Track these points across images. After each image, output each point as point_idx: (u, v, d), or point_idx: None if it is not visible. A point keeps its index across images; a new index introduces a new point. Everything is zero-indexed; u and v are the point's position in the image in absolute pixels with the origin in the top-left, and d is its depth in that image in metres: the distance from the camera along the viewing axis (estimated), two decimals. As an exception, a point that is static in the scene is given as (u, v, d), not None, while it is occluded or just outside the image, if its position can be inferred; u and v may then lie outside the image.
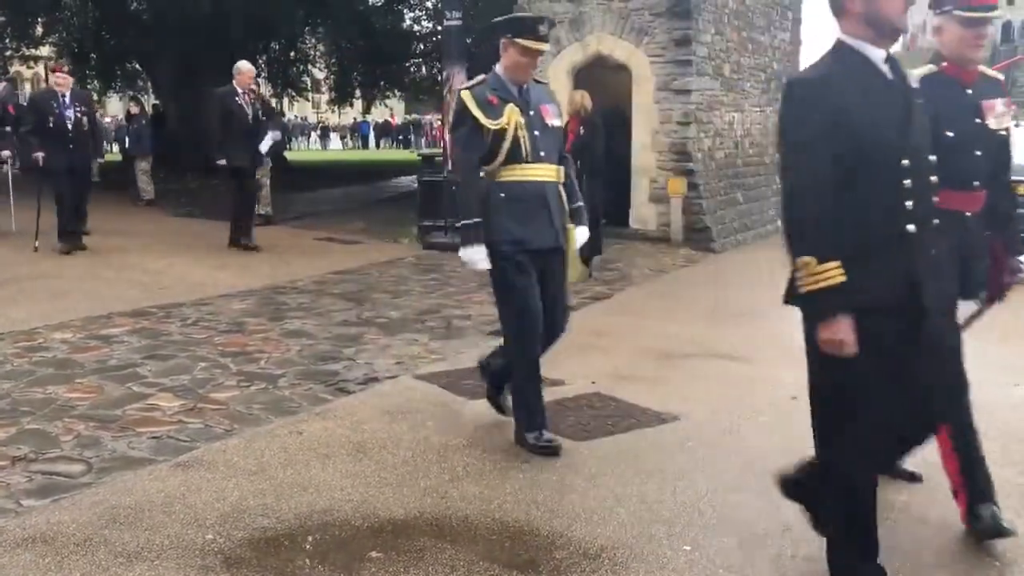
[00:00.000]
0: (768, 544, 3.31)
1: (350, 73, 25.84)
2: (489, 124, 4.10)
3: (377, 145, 46.76)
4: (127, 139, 18.35)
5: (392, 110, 45.01)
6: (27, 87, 41.28)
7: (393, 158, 32.09)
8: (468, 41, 13.40)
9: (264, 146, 10.22)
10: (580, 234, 4.44)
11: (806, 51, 16.44)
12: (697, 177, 11.77)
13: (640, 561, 3.17)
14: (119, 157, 24.22)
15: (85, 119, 9.54)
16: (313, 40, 25.37)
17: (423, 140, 43.86)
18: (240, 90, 10.14)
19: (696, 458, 4.17)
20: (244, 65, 10.42)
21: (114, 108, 42.70)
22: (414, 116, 47.95)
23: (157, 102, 23.23)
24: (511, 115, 4.12)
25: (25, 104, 11.53)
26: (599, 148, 8.86)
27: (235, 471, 3.90)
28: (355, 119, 45.68)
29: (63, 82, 9.56)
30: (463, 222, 4.17)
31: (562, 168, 4.33)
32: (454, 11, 11.37)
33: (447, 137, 11.94)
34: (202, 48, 18.29)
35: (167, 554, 3.14)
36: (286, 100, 31.54)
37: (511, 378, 4.35)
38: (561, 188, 4.31)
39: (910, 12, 2.84)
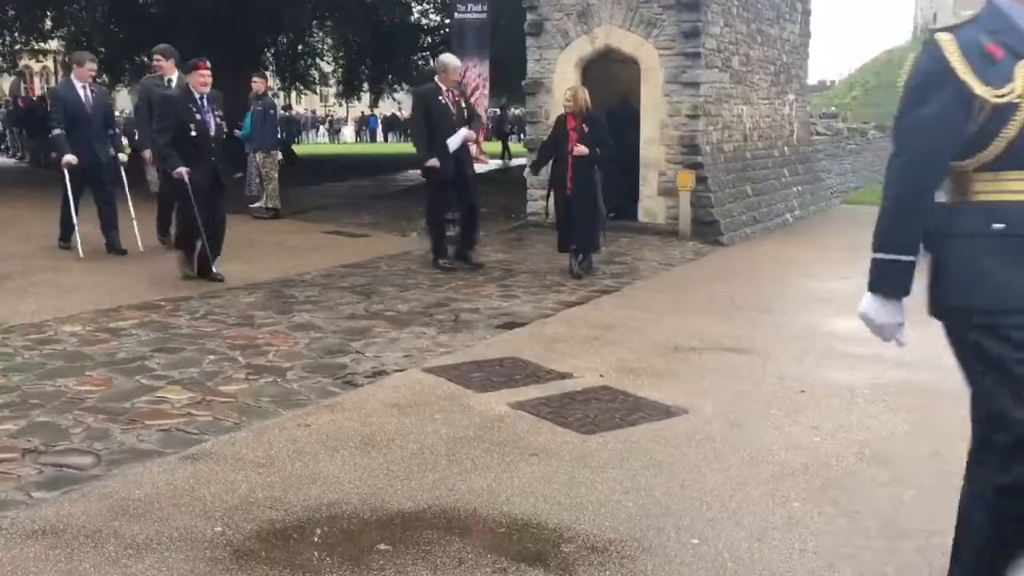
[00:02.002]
0: (776, 538, 3.30)
1: (358, 67, 25.87)
2: (988, 95, 2.33)
3: (385, 138, 46.80)
4: (136, 132, 18.31)
5: (400, 104, 45.02)
6: (36, 81, 41.44)
7: (401, 151, 32.09)
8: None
9: (454, 142, 8.62)
10: None
11: (815, 43, 16.35)
12: (706, 170, 11.73)
13: (648, 554, 3.17)
14: (129, 150, 24.24)
15: (224, 124, 7.99)
16: (321, 34, 25.39)
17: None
18: (444, 88, 8.82)
19: (704, 452, 4.16)
20: (450, 60, 9.03)
21: (123, 102, 42.82)
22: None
23: (166, 96, 23.25)
24: None
25: (150, 100, 9.14)
26: (608, 143, 8.71)
27: (244, 464, 3.91)
28: (363, 112, 45.71)
29: (207, 80, 7.75)
30: (883, 256, 2.47)
31: None
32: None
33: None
34: (211, 42, 18.30)
35: (176, 546, 3.16)
36: (294, 94, 31.59)
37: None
38: None
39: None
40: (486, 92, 12.12)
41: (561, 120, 8.83)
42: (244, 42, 19.66)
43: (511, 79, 14.71)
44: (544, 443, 4.23)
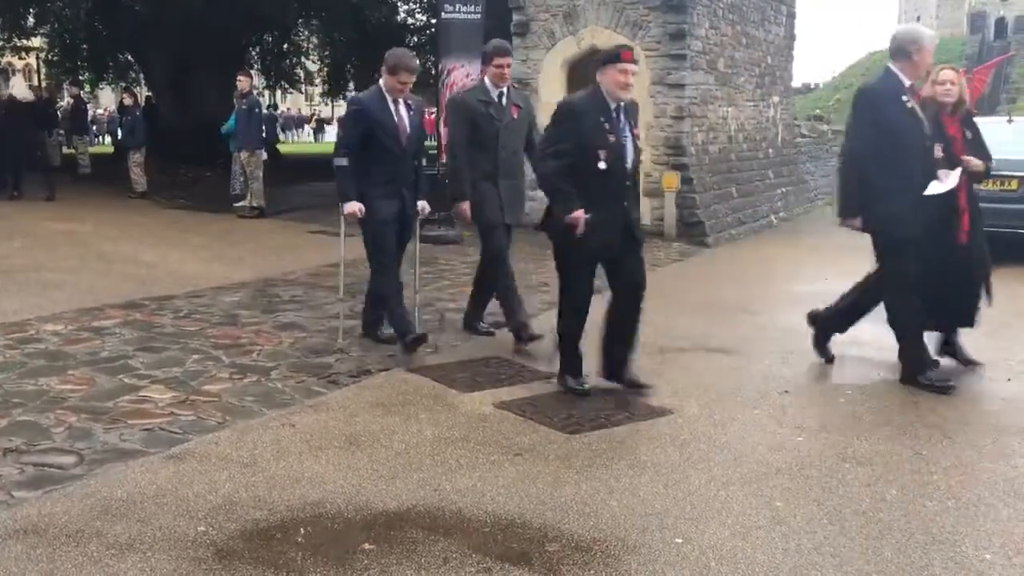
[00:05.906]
0: (759, 537, 3.32)
1: (343, 66, 25.83)
2: None
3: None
4: (120, 131, 18.23)
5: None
6: (18, 78, 41.10)
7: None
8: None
9: (937, 187, 5.19)
10: None
11: (800, 46, 16.45)
12: (691, 172, 11.77)
13: (632, 553, 3.18)
14: (111, 149, 24.15)
15: (640, 149, 5.14)
16: (306, 32, 25.34)
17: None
18: (907, 83, 5.17)
19: (688, 451, 4.18)
20: (923, 34, 5.26)
21: (107, 99, 42.65)
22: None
23: (150, 94, 23.18)
24: None
25: (472, 121, 6.22)
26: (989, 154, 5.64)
27: (227, 463, 3.90)
28: (349, 112, 45.56)
29: (629, 81, 4.80)
30: None
31: None
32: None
33: (442, 130, 11.93)
34: (195, 40, 18.23)
35: (159, 546, 3.14)
36: (279, 92, 31.51)
37: None
38: None
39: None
40: None
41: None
42: (229, 40, 19.57)
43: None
44: (529, 443, 4.24)
